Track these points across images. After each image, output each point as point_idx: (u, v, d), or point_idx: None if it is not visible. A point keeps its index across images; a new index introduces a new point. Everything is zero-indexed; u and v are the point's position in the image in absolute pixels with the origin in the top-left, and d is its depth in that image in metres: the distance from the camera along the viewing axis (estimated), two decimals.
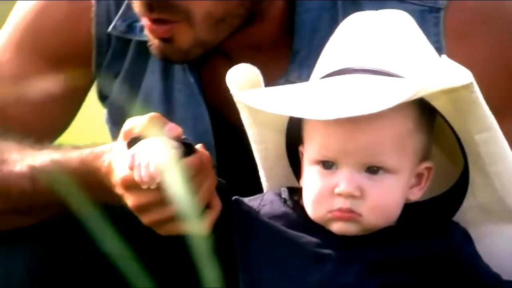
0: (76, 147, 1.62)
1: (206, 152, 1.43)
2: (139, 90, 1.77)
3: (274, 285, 1.39)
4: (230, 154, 1.74)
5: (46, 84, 1.78)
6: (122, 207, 1.48)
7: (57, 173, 1.57)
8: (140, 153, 1.34)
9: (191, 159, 1.38)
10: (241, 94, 1.33)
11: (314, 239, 1.37)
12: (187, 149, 1.39)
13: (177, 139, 1.39)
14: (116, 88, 1.80)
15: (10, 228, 1.65)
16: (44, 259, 1.65)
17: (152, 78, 1.77)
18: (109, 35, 1.77)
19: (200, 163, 1.39)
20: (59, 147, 1.66)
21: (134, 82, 1.78)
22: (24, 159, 1.61)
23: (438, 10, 1.64)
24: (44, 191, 1.58)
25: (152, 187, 1.33)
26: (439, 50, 1.59)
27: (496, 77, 1.61)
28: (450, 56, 1.52)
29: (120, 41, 1.78)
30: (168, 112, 1.59)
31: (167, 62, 1.70)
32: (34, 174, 1.59)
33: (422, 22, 1.57)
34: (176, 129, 1.40)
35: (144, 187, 1.34)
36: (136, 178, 1.33)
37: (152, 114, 1.42)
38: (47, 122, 1.80)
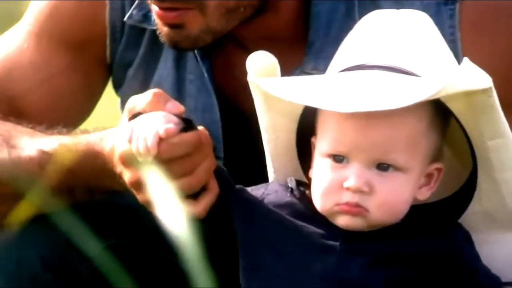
0: (85, 131, 1.59)
1: (206, 132, 1.39)
2: (151, 80, 1.74)
3: (275, 272, 1.35)
4: (238, 146, 1.70)
5: (66, 72, 1.76)
6: (125, 196, 1.45)
7: (64, 158, 1.54)
8: (139, 126, 1.30)
9: (189, 134, 1.34)
10: (259, 81, 1.29)
11: (318, 230, 1.33)
12: (187, 126, 1.35)
13: (178, 115, 1.35)
14: (130, 77, 1.77)
15: (20, 216, 1.60)
16: (56, 247, 1.60)
17: (164, 67, 1.73)
18: (123, 23, 1.74)
19: (198, 140, 1.35)
20: (69, 131, 1.62)
21: (147, 71, 1.75)
22: (34, 144, 1.57)
23: (453, 2, 1.60)
24: (52, 175, 1.54)
25: (149, 160, 1.29)
26: (454, 43, 1.57)
27: (510, 71, 1.58)
28: (465, 48, 1.50)
29: (135, 30, 1.75)
30: (178, 102, 1.55)
31: (176, 49, 1.66)
32: (42, 158, 1.55)
33: (437, 14, 1.55)
34: (178, 106, 1.37)
35: (141, 159, 1.30)
36: (134, 150, 1.30)
37: (155, 90, 1.39)
38: (66, 109, 1.78)
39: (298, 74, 1.54)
